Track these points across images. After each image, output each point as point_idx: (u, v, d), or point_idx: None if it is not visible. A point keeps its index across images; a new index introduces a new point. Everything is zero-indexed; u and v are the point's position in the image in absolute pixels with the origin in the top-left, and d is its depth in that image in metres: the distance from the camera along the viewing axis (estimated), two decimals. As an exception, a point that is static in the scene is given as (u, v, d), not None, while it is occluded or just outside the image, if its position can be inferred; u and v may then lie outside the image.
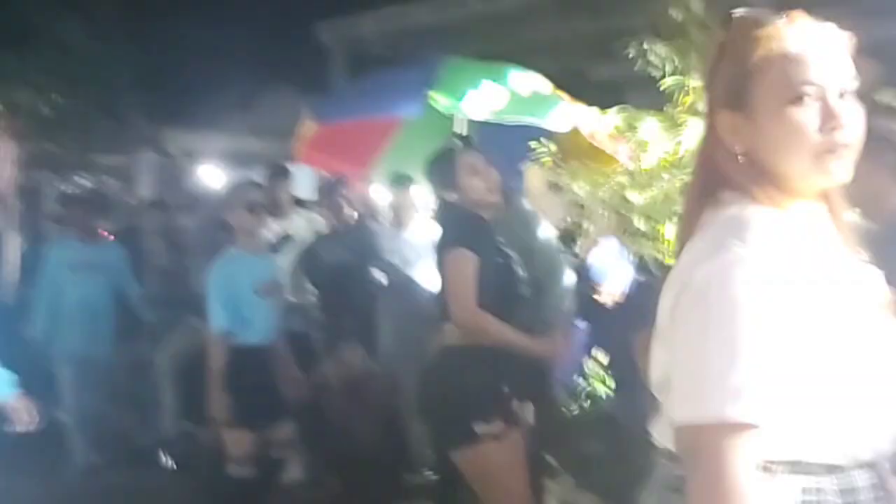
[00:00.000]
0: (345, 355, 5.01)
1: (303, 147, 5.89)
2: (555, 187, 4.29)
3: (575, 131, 4.80)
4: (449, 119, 5.10)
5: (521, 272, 3.45)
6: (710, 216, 1.32)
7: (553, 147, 4.09)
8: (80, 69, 10.45)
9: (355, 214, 5.59)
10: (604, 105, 4.45)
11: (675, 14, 3.50)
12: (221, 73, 12.00)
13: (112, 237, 6.60)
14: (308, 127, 5.72)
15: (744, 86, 1.30)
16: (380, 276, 5.22)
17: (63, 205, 6.87)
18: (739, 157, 1.32)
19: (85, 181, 13.81)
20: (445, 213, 3.57)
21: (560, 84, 5.21)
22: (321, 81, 12.32)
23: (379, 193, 6.35)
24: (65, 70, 10.36)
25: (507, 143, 4.48)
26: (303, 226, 5.89)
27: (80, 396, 5.96)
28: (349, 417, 4.81)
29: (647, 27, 3.54)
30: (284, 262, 5.35)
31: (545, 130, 4.61)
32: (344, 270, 5.20)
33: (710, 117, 1.37)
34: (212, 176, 13.24)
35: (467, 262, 3.21)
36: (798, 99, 1.26)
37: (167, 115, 11.77)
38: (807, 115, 1.26)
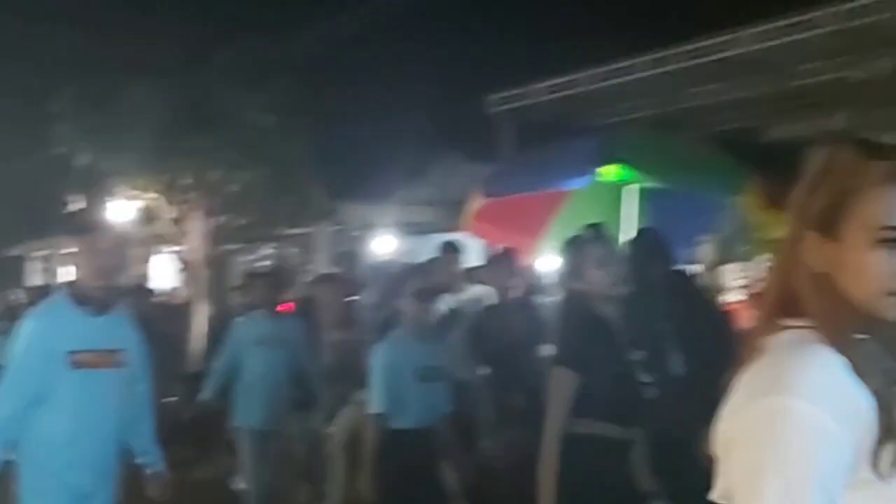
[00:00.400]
0: (512, 435, 4.91)
1: (471, 219, 5.93)
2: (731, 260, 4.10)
3: (756, 198, 4.58)
4: (618, 190, 5.00)
5: (642, 377, 3.39)
6: (774, 341, 1.31)
7: (737, 219, 3.92)
8: (264, 147, 11.03)
9: (523, 288, 5.54)
10: (779, 167, 4.22)
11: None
12: (394, 145, 12.37)
13: (292, 308, 6.82)
14: (477, 200, 5.76)
15: (838, 214, 1.29)
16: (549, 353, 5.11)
17: (250, 280, 7.17)
18: (817, 279, 1.31)
19: (268, 252, 14.56)
20: (566, 310, 3.54)
21: (732, 147, 5.02)
22: (490, 150, 12.51)
23: (547, 266, 6.28)
24: (251, 148, 10.96)
25: (681, 213, 4.34)
26: (473, 299, 5.89)
27: (258, 466, 6.12)
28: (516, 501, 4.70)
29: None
30: (453, 337, 5.35)
31: (721, 200, 4.43)
32: (512, 346, 5.13)
33: (796, 235, 1.35)
34: (386, 246, 13.64)
35: (565, 382, 3.23)
36: (886, 241, 1.27)
37: (344, 188, 12.23)
38: (890, 258, 1.27)
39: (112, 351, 3.52)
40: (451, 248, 6.16)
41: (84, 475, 3.46)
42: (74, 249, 3.54)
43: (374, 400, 4.33)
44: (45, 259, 19.96)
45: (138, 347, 3.69)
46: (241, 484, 7.15)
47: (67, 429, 3.41)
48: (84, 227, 3.58)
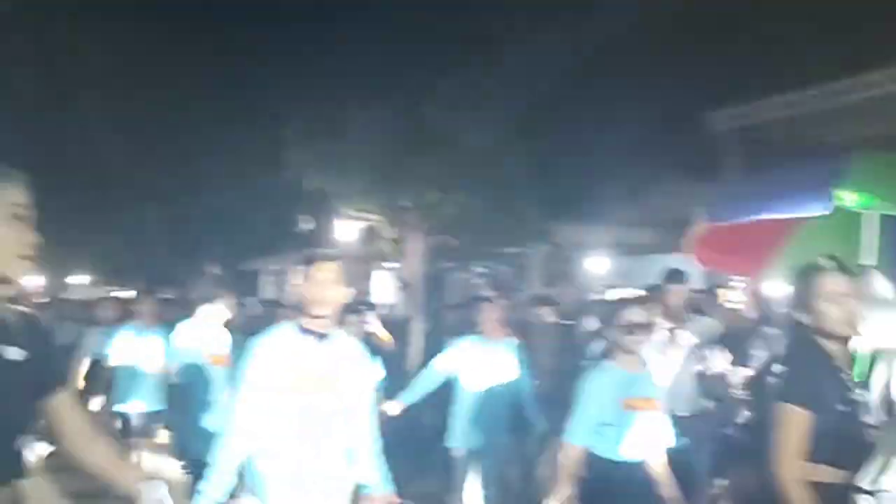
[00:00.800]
0: (738, 476, 4.64)
1: (694, 244, 5.67)
2: None
3: None
4: (856, 217, 4.61)
5: (866, 419, 3.14)
6: None
7: None
8: (482, 168, 11.20)
9: (749, 319, 5.24)
10: None
11: None
12: (612, 164, 12.15)
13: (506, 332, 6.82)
14: (701, 224, 5.50)
15: None
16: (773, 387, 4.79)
17: (470, 303, 7.24)
18: None
19: (483, 272, 14.74)
20: (794, 343, 3.35)
21: None
22: (714, 170, 12.02)
23: (774, 295, 5.92)
24: (469, 170, 11.17)
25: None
26: (698, 331, 5.64)
27: (485, 489, 6.15)
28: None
29: None
30: (673, 366, 5.15)
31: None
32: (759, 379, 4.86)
33: None
34: (602, 267, 13.42)
35: (798, 421, 3.06)
36: None
37: (559, 209, 12.17)
38: None
39: (333, 378, 3.63)
40: (675, 277, 5.93)
41: (316, 498, 3.58)
42: (300, 281, 3.69)
43: (575, 428, 4.24)
44: (277, 273, 21.28)
45: (361, 372, 3.78)
46: None
47: (294, 451, 3.57)
48: (309, 259, 3.71)
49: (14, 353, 2.11)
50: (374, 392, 3.90)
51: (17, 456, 2.22)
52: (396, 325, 11.38)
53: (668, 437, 4.42)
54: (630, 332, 4.25)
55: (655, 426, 4.34)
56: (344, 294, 3.72)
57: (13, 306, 2.13)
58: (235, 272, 21.73)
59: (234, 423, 3.61)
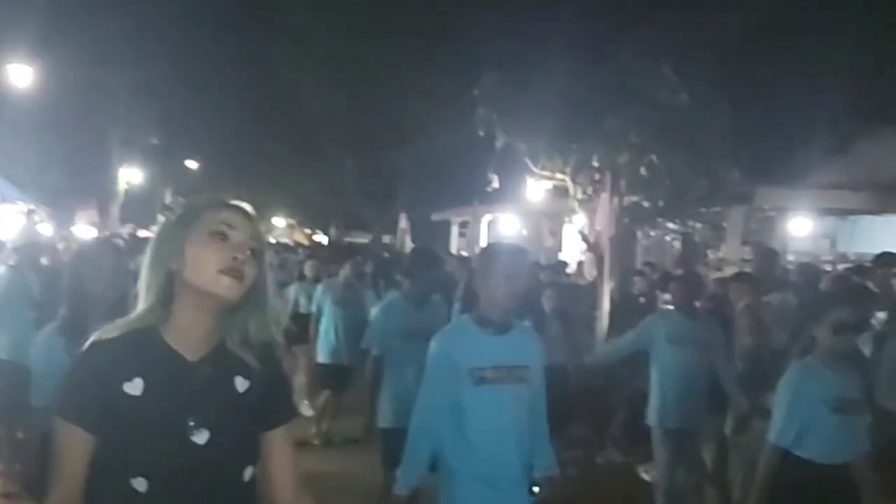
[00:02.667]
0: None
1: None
2: None
3: None
4: None
5: None
6: None
7: None
8: (677, 127, 10.87)
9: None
10: None
11: None
12: (814, 122, 11.44)
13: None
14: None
15: None
16: None
17: (671, 284, 7.12)
18: None
19: (677, 235, 14.38)
20: None
21: None
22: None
23: None
24: (663, 129, 10.87)
25: None
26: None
27: (670, 465, 6.13)
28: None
29: None
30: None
31: None
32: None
33: None
34: (803, 229, 12.78)
35: None
36: None
37: (758, 171, 11.63)
38: None
39: (513, 367, 3.68)
40: (887, 260, 5.56)
41: (498, 482, 3.68)
42: (481, 281, 3.76)
43: (779, 428, 4.09)
44: (463, 225, 21.69)
45: (540, 364, 3.81)
46: (646, 474, 7.30)
47: (473, 442, 3.66)
48: (486, 263, 3.75)
49: None
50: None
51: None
52: (584, 289, 11.38)
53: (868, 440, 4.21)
54: (838, 332, 4.04)
55: (860, 428, 4.15)
56: (520, 293, 3.76)
57: None
58: (426, 221, 22.36)
59: (425, 412, 3.74)
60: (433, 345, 3.76)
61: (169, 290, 1.99)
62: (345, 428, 8.16)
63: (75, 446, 1.92)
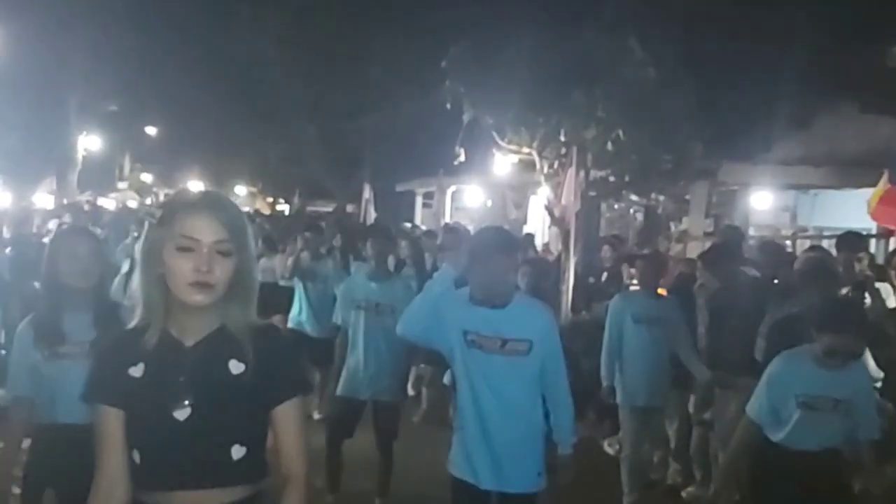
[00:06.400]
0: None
1: (877, 204, 5.43)
2: None
3: None
4: None
5: None
6: None
7: None
8: (640, 105, 10.93)
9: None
10: None
11: None
12: (776, 98, 11.56)
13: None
14: (884, 183, 5.25)
15: None
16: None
17: (637, 264, 7.23)
18: None
19: (639, 202, 14.51)
20: None
21: None
22: (890, 106, 11.30)
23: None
24: (628, 104, 10.93)
25: None
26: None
27: (636, 441, 6.29)
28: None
29: None
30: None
31: None
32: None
33: None
34: (764, 203, 12.96)
35: None
36: None
37: (722, 146, 11.76)
38: None
39: (509, 340, 3.81)
40: (851, 242, 5.67)
41: (500, 450, 3.83)
42: (469, 270, 3.86)
43: (754, 404, 4.17)
44: (427, 196, 21.68)
45: (548, 337, 3.90)
46: (610, 448, 7.46)
47: (475, 404, 3.84)
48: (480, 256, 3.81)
49: None
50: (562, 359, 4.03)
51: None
52: (549, 264, 11.46)
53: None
54: (829, 355, 3.99)
55: (830, 425, 4.13)
56: (509, 287, 3.87)
57: None
58: (391, 191, 22.31)
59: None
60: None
61: (163, 289, 2.18)
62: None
63: (109, 424, 2.18)
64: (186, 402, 2.13)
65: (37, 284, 4.31)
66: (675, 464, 6.92)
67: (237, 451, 2.17)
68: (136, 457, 2.15)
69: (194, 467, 2.14)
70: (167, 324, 2.20)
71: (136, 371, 2.18)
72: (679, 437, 6.89)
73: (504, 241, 3.97)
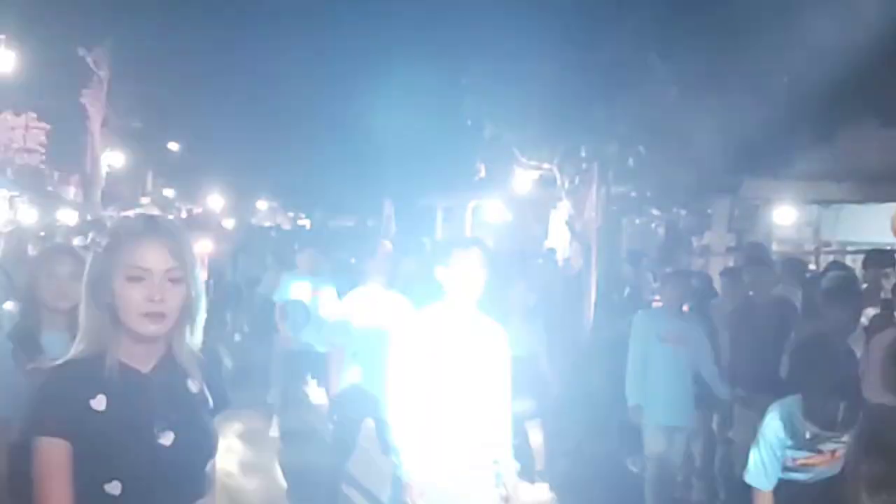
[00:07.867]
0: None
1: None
2: None
3: None
4: None
5: None
6: None
7: None
8: (662, 120, 10.90)
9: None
10: None
11: None
12: (799, 113, 11.49)
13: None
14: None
15: None
16: None
17: (662, 283, 7.23)
18: None
19: (662, 225, 14.46)
20: None
21: None
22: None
23: None
24: (650, 120, 10.89)
25: None
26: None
27: (660, 459, 6.24)
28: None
29: None
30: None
31: None
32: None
33: None
34: (788, 219, 12.87)
35: None
36: None
37: (744, 161, 11.70)
38: None
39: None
40: (879, 260, 5.63)
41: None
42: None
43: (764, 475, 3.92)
44: (448, 210, 21.70)
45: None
46: (633, 466, 7.42)
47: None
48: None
49: None
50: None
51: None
52: (571, 278, 11.47)
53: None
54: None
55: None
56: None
57: None
58: (412, 206, 22.37)
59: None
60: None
61: (113, 318, 2.13)
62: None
63: (58, 458, 2.04)
64: (168, 427, 2.13)
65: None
66: (700, 482, 6.88)
67: (209, 465, 2.26)
68: (116, 489, 2.05)
69: (177, 489, 2.16)
70: (117, 352, 2.14)
71: (99, 404, 2.08)
72: (703, 455, 6.85)
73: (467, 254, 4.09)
